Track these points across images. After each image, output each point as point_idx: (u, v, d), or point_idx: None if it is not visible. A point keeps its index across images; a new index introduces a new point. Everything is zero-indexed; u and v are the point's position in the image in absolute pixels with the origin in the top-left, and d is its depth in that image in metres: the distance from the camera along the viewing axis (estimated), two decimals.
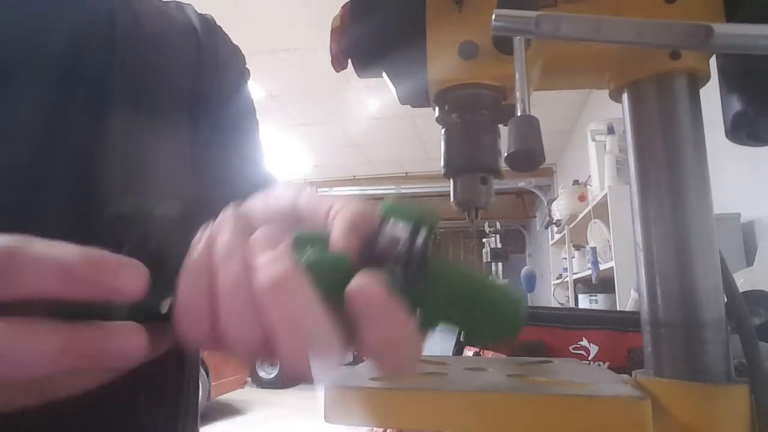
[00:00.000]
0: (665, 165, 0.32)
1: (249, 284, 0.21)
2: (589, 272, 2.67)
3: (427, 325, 0.23)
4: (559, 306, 3.42)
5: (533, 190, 5.44)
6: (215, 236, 0.23)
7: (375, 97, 4.14)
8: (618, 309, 2.13)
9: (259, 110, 0.58)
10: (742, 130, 0.33)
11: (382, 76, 0.38)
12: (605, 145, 2.51)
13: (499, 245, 4.11)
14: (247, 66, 0.58)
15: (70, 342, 0.20)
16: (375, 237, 0.23)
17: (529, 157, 0.29)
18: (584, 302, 2.78)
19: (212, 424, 4.47)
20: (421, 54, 0.35)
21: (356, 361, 0.34)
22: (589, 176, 2.91)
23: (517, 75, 0.30)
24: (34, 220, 0.37)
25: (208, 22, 0.54)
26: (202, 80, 0.50)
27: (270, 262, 0.21)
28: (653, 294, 0.32)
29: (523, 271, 2.36)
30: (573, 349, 0.64)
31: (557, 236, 3.60)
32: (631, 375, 0.34)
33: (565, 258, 3.42)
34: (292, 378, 6.41)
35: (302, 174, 6.27)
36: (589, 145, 2.73)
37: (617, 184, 2.32)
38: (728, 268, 0.32)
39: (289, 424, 4.63)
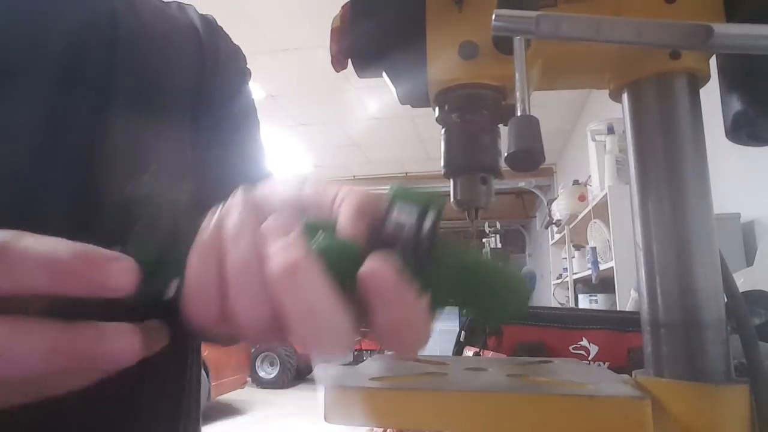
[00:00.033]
0: (665, 165, 0.32)
1: (259, 264, 0.21)
2: (589, 272, 2.67)
3: (435, 306, 0.23)
4: (559, 306, 3.42)
5: (533, 190, 5.44)
6: (224, 217, 0.23)
7: (375, 97, 4.14)
8: (618, 309, 2.13)
9: (259, 110, 0.58)
10: (742, 130, 0.33)
11: (382, 76, 0.38)
12: (605, 145, 2.51)
13: (499, 245, 4.11)
14: (248, 66, 0.58)
15: (61, 342, 0.20)
16: (382, 222, 0.23)
17: (529, 157, 0.29)
18: (584, 302, 2.78)
19: (212, 424, 4.47)
20: (421, 54, 0.35)
21: (356, 361, 0.34)
22: (589, 176, 2.91)
23: (517, 75, 0.30)
24: (34, 219, 0.37)
25: (209, 22, 0.54)
26: (203, 80, 0.50)
27: (283, 249, 0.21)
28: (653, 294, 0.32)
29: (523, 271, 2.36)
30: (573, 349, 0.64)
31: (557, 236, 3.60)
32: (631, 375, 0.34)
33: (565, 258, 3.42)
34: (296, 373, 6.40)
35: (302, 174, 6.28)
36: (589, 145, 2.73)
37: (617, 184, 2.32)
38: (728, 268, 0.32)
39: (289, 424, 4.63)
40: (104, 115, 0.41)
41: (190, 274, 0.22)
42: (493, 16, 0.28)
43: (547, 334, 0.66)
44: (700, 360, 0.30)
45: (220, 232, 0.23)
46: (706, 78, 0.34)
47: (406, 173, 6.26)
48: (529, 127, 0.29)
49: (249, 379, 5.86)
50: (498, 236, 4.27)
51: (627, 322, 0.65)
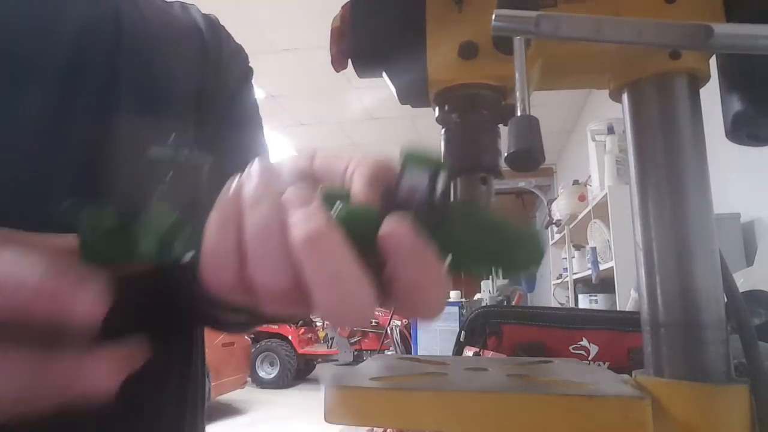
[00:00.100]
0: (665, 165, 0.32)
1: (280, 231, 0.21)
2: (589, 272, 2.67)
3: (453, 265, 0.23)
4: (559, 306, 3.42)
5: (533, 190, 5.43)
6: (243, 184, 0.23)
7: (375, 97, 4.14)
8: (618, 309, 2.13)
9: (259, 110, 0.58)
10: (742, 130, 0.33)
11: (382, 76, 0.38)
12: (605, 145, 2.51)
13: None
14: (250, 65, 0.58)
15: (37, 376, 0.20)
16: (395, 187, 0.23)
17: (529, 157, 0.29)
18: (584, 302, 2.78)
19: (212, 424, 4.47)
20: (421, 54, 0.35)
21: (356, 361, 0.34)
22: (589, 176, 2.91)
23: (517, 75, 0.30)
24: (37, 217, 0.37)
25: (211, 22, 0.54)
26: (206, 79, 0.50)
27: (306, 218, 0.21)
28: (653, 294, 0.32)
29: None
30: (573, 349, 0.64)
31: (557, 236, 3.60)
32: (631, 375, 0.34)
33: (565, 258, 3.42)
34: (296, 373, 6.38)
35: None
36: (589, 145, 2.73)
37: (617, 184, 2.32)
38: (728, 268, 0.32)
39: (289, 425, 4.63)
40: (108, 114, 0.41)
41: (208, 240, 0.22)
42: (493, 16, 0.28)
43: (547, 334, 0.66)
44: (700, 360, 0.30)
45: (240, 198, 0.23)
46: (706, 78, 0.34)
47: None
48: (529, 127, 0.29)
49: (249, 379, 5.86)
50: None
51: (627, 322, 0.65)
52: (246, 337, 5.74)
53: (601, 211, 2.53)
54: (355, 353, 6.57)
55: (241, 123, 0.54)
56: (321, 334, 7.19)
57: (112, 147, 0.40)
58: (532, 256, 0.24)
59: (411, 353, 1.54)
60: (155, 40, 0.47)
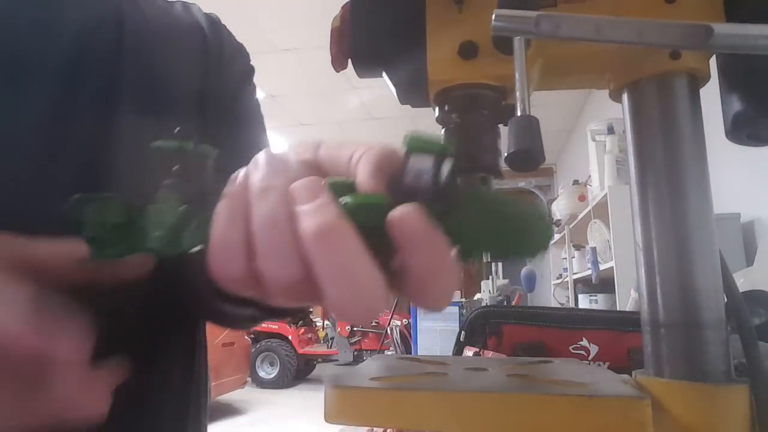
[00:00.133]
0: (665, 165, 0.32)
1: (289, 222, 0.21)
2: (589, 272, 2.67)
3: (463, 250, 0.23)
4: (559, 306, 3.42)
5: (533, 190, 5.43)
6: (251, 174, 0.23)
7: (375, 97, 4.14)
8: (618, 309, 2.13)
9: None
10: (742, 130, 0.33)
11: (382, 76, 0.38)
12: (605, 145, 2.51)
13: None
14: (251, 64, 0.58)
15: (26, 406, 0.20)
16: (401, 174, 0.23)
17: (529, 157, 0.29)
18: (584, 302, 2.78)
19: (212, 424, 4.46)
20: (421, 54, 0.35)
21: (356, 361, 0.34)
22: (589, 176, 2.91)
23: (517, 75, 0.30)
24: (39, 217, 0.37)
25: (213, 21, 0.55)
26: (208, 78, 0.50)
27: (316, 211, 0.21)
28: (653, 294, 0.32)
29: (523, 271, 2.36)
30: (573, 349, 0.64)
31: (557, 236, 3.60)
32: (631, 375, 0.34)
33: (565, 258, 3.42)
34: (296, 373, 6.38)
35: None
36: (589, 145, 2.73)
37: (617, 184, 2.32)
38: (728, 268, 0.32)
39: (289, 424, 4.63)
40: (109, 114, 0.41)
41: (215, 232, 0.22)
42: (493, 16, 0.28)
43: (547, 334, 0.66)
44: (700, 360, 0.30)
45: (247, 189, 0.22)
46: (706, 78, 0.34)
47: None
48: (529, 127, 0.29)
49: (249, 379, 5.86)
50: None
51: (627, 322, 0.65)
52: (246, 337, 5.75)
53: (601, 211, 2.53)
54: (355, 353, 6.57)
55: (243, 121, 0.54)
56: (321, 334, 7.19)
57: (113, 147, 0.40)
58: (541, 239, 0.23)
59: (411, 353, 1.54)
60: (157, 39, 0.47)
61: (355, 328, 6.56)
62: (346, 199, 0.22)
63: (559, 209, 3.35)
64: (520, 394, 0.28)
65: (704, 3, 0.32)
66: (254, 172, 0.23)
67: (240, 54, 0.56)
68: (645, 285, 0.33)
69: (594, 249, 2.63)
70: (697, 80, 0.34)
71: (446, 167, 0.22)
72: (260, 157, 0.24)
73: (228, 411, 5.07)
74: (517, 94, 0.30)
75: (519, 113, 0.29)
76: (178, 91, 0.47)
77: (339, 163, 0.26)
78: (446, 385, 0.31)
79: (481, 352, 0.65)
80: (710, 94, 0.35)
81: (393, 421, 0.31)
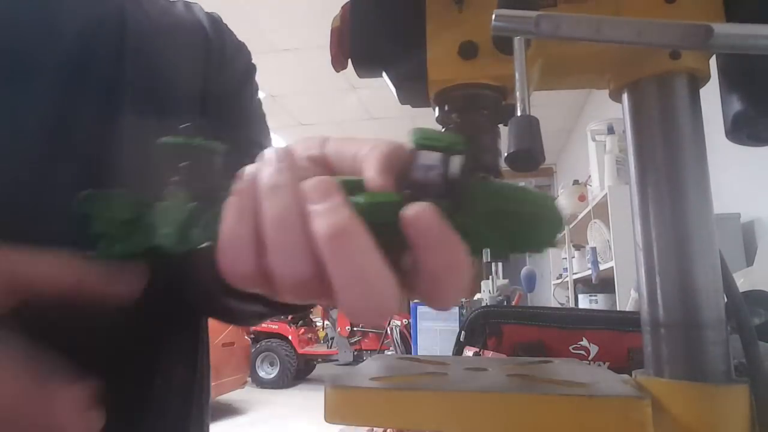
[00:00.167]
0: (665, 165, 0.32)
1: (301, 220, 0.21)
2: (589, 272, 2.67)
3: (473, 248, 0.22)
4: (559, 306, 3.42)
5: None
6: (261, 170, 0.23)
7: (375, 97, 4.14)
8: (618, 309, 2.13)
9: None
10: (742, 130, 0.33)
11: (382, 76, 0.38)
12: (605, 145, 2.51)
13: None
14: (253, 62, 0.58)
15: None
16: (410, 170, 0.22)
17: (529, 157, 0.29)
18: (584, 302, 2.79)
19: (212, 424, 4.46)
20: (421, 54, 0.35)
21: (356, 361, 0.34)
22: (589, 176, 2.91)
23: (517, 75, 0.30)
24: (42, 215, 0.37)
25: (215, 20, 0.55)
26: (210, 76, 0.50)
27: (328, 211, 0.20)
28: (653, 294, 0.32)
29: (523, 270, 2.36)
30: (573, 349, 0.64)
31: (557, 236, 3.59)
32: (631, 375, 0.34)
33: (565, 258, 3.42)
34: (296, 373, 6.38)
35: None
36: (589, 145, 2.73)
37: (617, 184, 2.32)
38: (728, 268, 0.32)
39: (289, 424, 4.63)
40: (113, 111, 0.41)
41: (225, 228, 0.22)
42: (493, 16, 0.28)
43: (547, 334, 0.66)
44: (700, 360, 0.30)
45: (257, 185, 0.22)
46: (706, 78, 0.34)
47: None
48: (529, 127, 0.29)
49: (249, 379, 5.86)
50: None
51: (627, 322, 0.65)
52: (246, 337, 5.74)
53: (601, 211, 2.53)
54: (355, 353, 6.57)
55: (244, 119, 0.54)
56: (321, 334, 7.19)
57: (115, 145, 0.41)
58: (553, 230, 0.23)
59: (411, 353, 1.54)
60: (159, 38, 0.47)
61: (355, 328, 6.55)
62: (356, 197, 0.22)
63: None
64: (520, 394, 0.28)
65: (704, 3, 0.32)
66: (263, 169, 0.23)
67: (241, 53, 0.57)
68: (645, 285, 0.33)
69: (594, 249, 2.63)
70: (697, 80, 0.34)
71: (455, 162, 0.22)
72: (269, 153, 0.24)
73: (228, 411, 5.07)
74: (517, 94, 0.30)
75: (519, 113, 0.29)
76: (180, 90, 0.47)
77: (346, 159, 0.25)
78: (446, 385, 0.31)
79: (481, 352, 0.65)
80: (710, 94, 0.35)
81: (393, 421, 0.31)
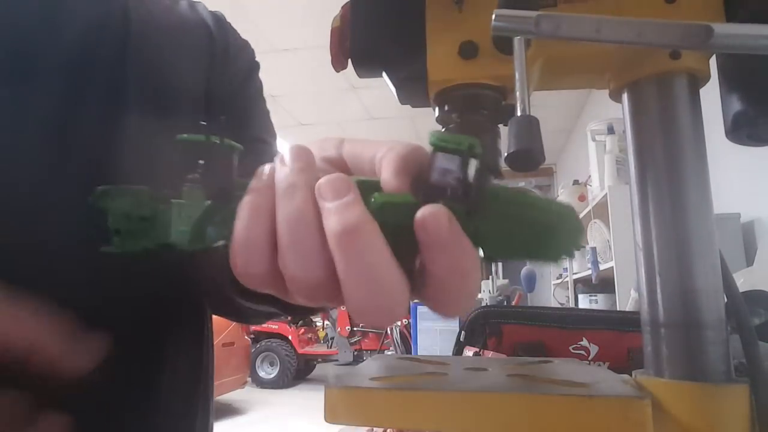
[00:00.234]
0: (665, 165, 0.32)
1: (316, 220, 0.20)
2: (589, 272, 2.67)
3: (486, 255, 0.22)
4: (559, 306, 3.42)
5: (533, 190, 5.45)
6: (276, 170, 0.23)
7: (375, 97, 4.14)
8: (618, 309, 2.13)
9: None
10: (742, 130, 0.33)
11: (382, 76, 0.38)
12: (605, 145, 2.52)
13: None
14: (256, 59, 0.58)
15: None
16: (427, 174, 0.22)
17: (529, 157, 0.29)
18: (584, 302, 2.79)
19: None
20: (420, 54, 0.35)
21: (356, 361, 0.34)
22: (589, 176, 2.91)
23: (517, 75, 0.30)
24: (45, 215, 0.37)
25: (218, 19, 0.55)
26: (214, 74, 0.51)
27: (343, 210, 0.20)
28: (653, 294, 0.32)
29: (523, 271, 2.36)
30: (573, 349, 0.64)
31: None
32: (631, 375, 0.34)
33: None
34: (296, 373, 6.39)
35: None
36: (589, 145, 2.73)
37: (617, 184, 2.32)
38: (728, 268, 0.32)
39: (289, 424, 4.63)
40: (116, 111, 0.41)
41: (239, 228, 0.21)
42: (493, 16, 0.28)
43: (547, 334, 0.66)
44: (700, 360, 0.30)
45: (272, 185, 0.22)
46: (706, 78, 0.34)
47: None
48: (529, 127, 0.29)
49: (249, 379, 5.86)
50: None
51: (627, 322, 0.65)
52: (246, 337, 5.75)
53: (601, 211, 2.53)
54: (355, 353, 6.57)
55: (248, 117, 0.54)
56: (321, 334, 7.19)
57: (119, 144, 0.41)
58: (571, 242, 0.23)
59: (411, 353, 1.54)
60: (163, 37, 0.47)
61: (355, 328, 6.55)
62: (371, 197, 0.22)
63: None
64: (520, 394, 0.28)
65: (704, 3, 0.32)
66: (280, 168, 0.23)
67: (244, 51, 0.57)
68: (645, 285, 0.33)
69: (594, 249, 2.63)
70: (697, 80, 0.34)
71: (473, 166, 0.22)
72: (286, 152, 0.24)
73: (228, 411, 5.07)
74: (517, 94, 0.30)
75: (519, 113, 0.29)
76: (183, 89, 0.47)
77: (363, 161, 0.25)
78: (446, 385, 0.31)
79: (481, 352, 0.65)
80: (710, 94, 0.35)
81: (393, 421, 0.31)
